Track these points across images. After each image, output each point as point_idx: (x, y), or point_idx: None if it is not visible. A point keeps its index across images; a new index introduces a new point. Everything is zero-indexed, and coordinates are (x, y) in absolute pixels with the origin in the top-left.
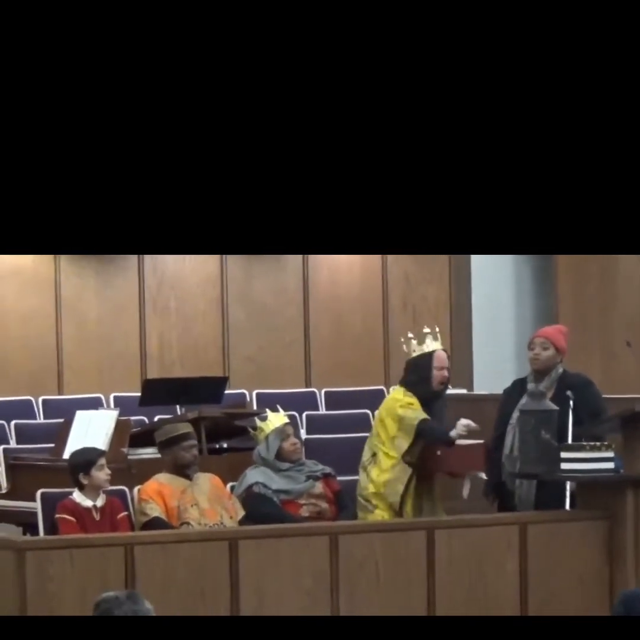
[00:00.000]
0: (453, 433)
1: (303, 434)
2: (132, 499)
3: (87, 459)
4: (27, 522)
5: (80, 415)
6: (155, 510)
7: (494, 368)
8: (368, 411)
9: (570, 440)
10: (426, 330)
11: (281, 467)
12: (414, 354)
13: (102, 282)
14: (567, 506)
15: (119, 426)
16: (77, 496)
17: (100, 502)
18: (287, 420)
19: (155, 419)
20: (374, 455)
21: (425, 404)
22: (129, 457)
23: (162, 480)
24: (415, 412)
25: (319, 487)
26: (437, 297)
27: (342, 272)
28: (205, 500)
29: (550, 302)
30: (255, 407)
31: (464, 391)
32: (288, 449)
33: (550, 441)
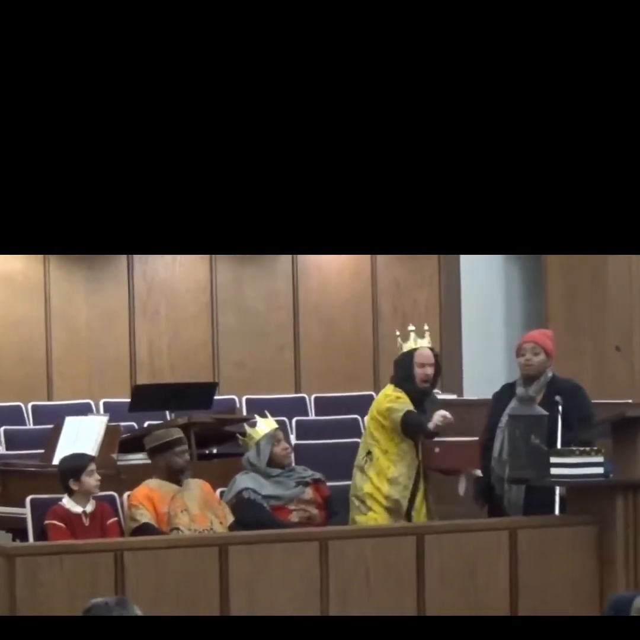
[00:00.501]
0: (430, 425)
1: (293, 439)
2: (122, 504)
3: (76, 464)
4: (16, 528)
5: (70, 421)
6: (145, 516)
7: (484, 373)
8: (358, 417)
9: (559, 445)
10: (411, 328)
11: (271, 473)
12: (401, 352)
13: (92, 287)
14: (557, 511)
15: (109, 432)
16: (66, 502)
17: (90, 507)
18: (276, 425)
19: (145, 424)
20: (369, 453)
21: (415, 402)
22: (119, 462)
23: (152, 486)
24: (402, 405)
25: (308, 492)
26: (427, 302)
27: (332, 277)
28: (195, 506)
29: (540, 306)
30: (245, 413)
31: (454, 396)
32: (279, 453)
33: (540, 446)
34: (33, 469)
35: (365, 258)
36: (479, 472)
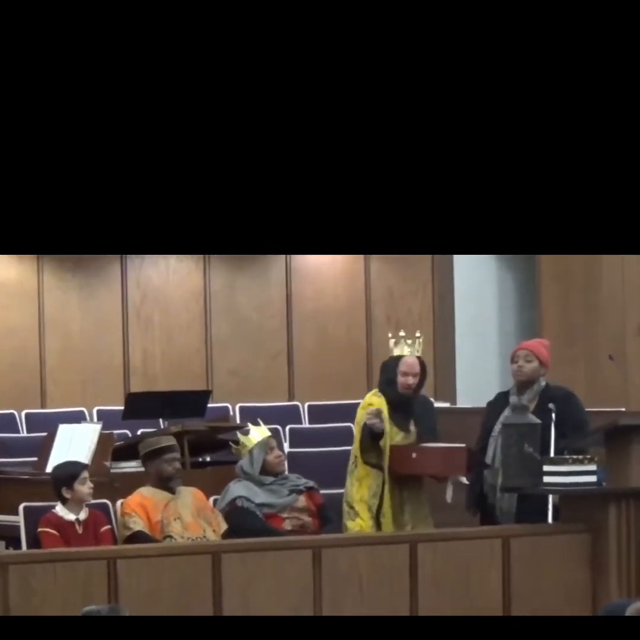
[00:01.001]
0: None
1: (286, 447)
2: (115, 512)
3: (70, 472)
4: (9, 536)
5: (63, 429)
6: (138, 523)
7: (478, 381)
8: (351, 425)
9: (552, 454)
10: (402, 333)
11: (264, 481)
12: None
13: (86, 295)
14: (550, 519)
15: (102, 440)
16: (60, 510)
17: (83, 515)
18: (269, 433)
19: (139, 432)
20: (356, 458)
21: (396, 408)
22: (112, 470)
23: (145, 494)
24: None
25: (302, 500)
26: (421, 310)
27: (325, 285)
28: (188, 514)
29: (533, 315)
30: (238, 421)
31: (447, 404)
32: (272, 461)
33: (533, 454)
34: (26, 477)
35: (359, 266)
36: (465, 480)
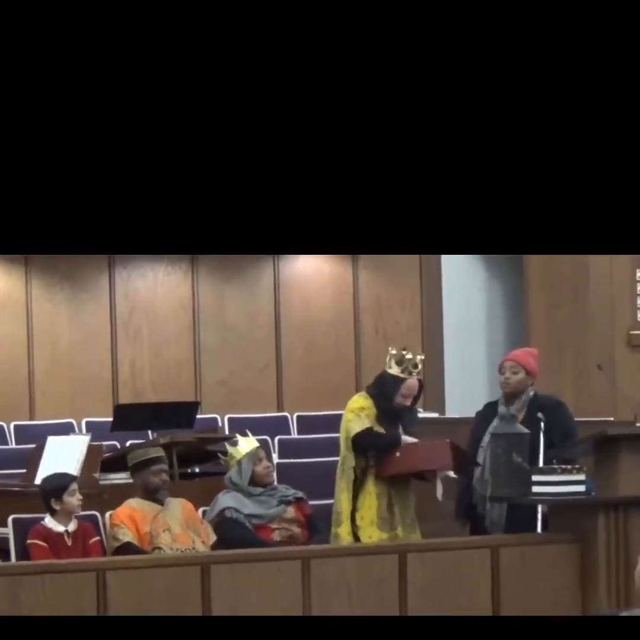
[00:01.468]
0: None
1: (275, 458)
2: (104, 524)
3: (58, 484)
4: None
5: (52, 441)
6: (127, 535)
7: (466, 392)
8: (340, 435)
9: (541, 463)
10: (408, 356)
11: (253, 492)
12: (390, 371)
13: (74, 307)
14: (539, 529)
15: (91, 451)
16: (48, 521)
17: (72, 527)
18: (257, 444)
19: (127, 444)
20: (343, 464)
21: (384, 417)
22: (101, 482)
23: (134, 506)
24: (361, 422)
25: (290, 511)
26: (409, 321)
27: (313, 296)
28: (177, 525)
29: (521, 325)
30: (227, 432)
31: (435, 415)
32: (261, 472)
33: (522, 464)
34: (15, 489)
35: (347, 277)
36: (452, 474)
